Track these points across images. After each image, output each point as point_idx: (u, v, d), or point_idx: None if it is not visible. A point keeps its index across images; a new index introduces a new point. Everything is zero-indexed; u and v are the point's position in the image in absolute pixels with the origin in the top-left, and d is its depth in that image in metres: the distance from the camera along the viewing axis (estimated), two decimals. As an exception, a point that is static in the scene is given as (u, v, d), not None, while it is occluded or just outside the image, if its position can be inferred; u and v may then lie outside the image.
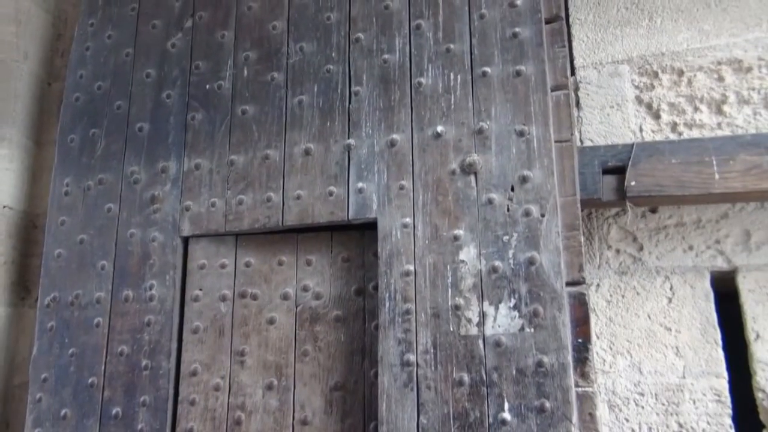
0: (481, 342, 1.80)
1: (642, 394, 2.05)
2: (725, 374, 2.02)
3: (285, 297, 2.11)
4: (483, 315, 1.82)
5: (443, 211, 1.93)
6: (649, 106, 2.27)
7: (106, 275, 2.24)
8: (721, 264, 2.12)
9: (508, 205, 1.88)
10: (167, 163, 2.27)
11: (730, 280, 2.12)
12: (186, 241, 2.22)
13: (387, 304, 1.90)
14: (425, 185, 1.96)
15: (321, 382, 2.01)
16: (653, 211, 2.21)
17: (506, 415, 1.74)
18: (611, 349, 2.12)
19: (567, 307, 1.79)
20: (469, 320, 1.83)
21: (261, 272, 2.15)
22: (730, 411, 1.98)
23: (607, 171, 2.05)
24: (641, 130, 2.25)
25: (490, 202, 1.90)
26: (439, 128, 1.99)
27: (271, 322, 2.09)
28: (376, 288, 1.97)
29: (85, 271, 2.27)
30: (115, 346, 2.17)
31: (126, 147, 2.34)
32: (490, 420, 1.75)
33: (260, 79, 2.25)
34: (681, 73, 2.26)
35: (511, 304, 1.81)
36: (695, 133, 2.19)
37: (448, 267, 1.88)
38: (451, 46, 2.06)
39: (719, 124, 2.19)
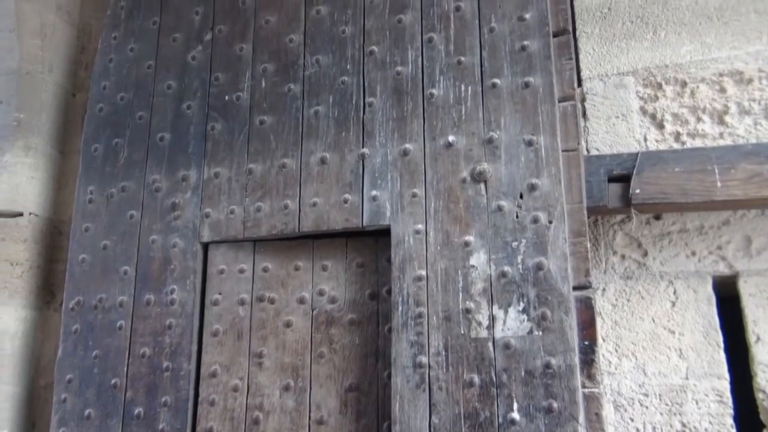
0: (490, 344, 1.84)
1: (646, 395, 2.06)
2: (727, 376, 2.03)
3: (301, 301, 2.14)
4: (493, 318, 1.86)
5: (454, 218, 1.97)
6: (653, 117, 2.29)
7: (129, 280, 2.27)
8: (722, 269, 2.13)
9: (516, 212, 1.92)
10: (188, 172, 2.31)
11: (731, 285, 2.13)
12: (206, 246, 2.25)
13: (400, 308, 1.93)
14: (437, 193, 2.00)
15: (336, 383, 2.04)
16: (657, 217, 2.22)
17: (515, 415, 1.77)
18: (617, 351, 2.13)
19: (574, 310, 1.82)
20: (480, 323, 1.86)
21: (278, 277, 2.18)
22: (731, 411, 2.00)
23: (612, 179, 2.07)
24: (645, 139, 2.27)
25: (499, 209, 1.93)
26: (451, 138, 2.04)
27: (288, 325, 2.13)
28: (389, 292, 2.00)
29: (108, 276, 2.30)
30: (137, 349, 2.20)
31: (148, 156, 2.38)
32: (500, 420, 1.78)
33: (277, 91, 2.29)
34: (684, 84, 2.28)
35: (520, 308, 1.84)
36: (698, 143, 2.21)
37: (459, 272, 1.92)
38: (462, 58, 2.11)
39: (721, 134, 2.21)
